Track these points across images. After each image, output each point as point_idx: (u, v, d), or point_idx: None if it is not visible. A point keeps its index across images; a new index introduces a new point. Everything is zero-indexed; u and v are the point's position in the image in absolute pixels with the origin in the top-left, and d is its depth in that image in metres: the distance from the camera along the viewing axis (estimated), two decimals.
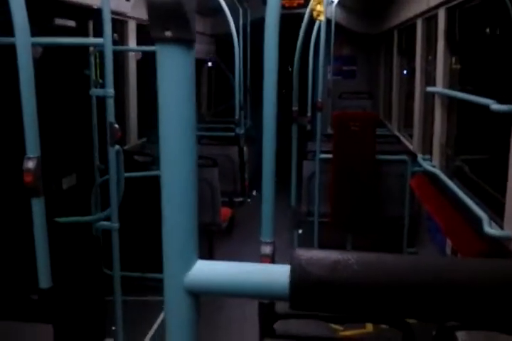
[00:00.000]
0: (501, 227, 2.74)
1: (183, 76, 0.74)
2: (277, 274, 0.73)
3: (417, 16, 5.20)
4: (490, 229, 2.71)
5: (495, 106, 2.66)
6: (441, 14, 4.19)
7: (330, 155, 4.93)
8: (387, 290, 0.67)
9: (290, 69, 7.03)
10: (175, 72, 0.73)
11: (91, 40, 4.07)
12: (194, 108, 0.76)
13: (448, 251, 3.56)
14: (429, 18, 4.87)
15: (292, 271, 0.70)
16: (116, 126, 3.13)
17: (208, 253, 5.14)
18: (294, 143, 5.16)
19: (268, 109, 2.01)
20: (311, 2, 4.31)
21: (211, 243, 5.23)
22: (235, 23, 6.25)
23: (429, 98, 4.79)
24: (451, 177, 3.82)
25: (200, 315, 0.79)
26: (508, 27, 2.86)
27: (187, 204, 0.77)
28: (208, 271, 0.77)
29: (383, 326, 2.52)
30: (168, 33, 0.71)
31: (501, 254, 2.65)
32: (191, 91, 0.75)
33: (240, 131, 6.49)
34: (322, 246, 4.93)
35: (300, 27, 4.86)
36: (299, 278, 0.70)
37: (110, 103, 3.05)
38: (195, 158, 0.78)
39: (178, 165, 0.76)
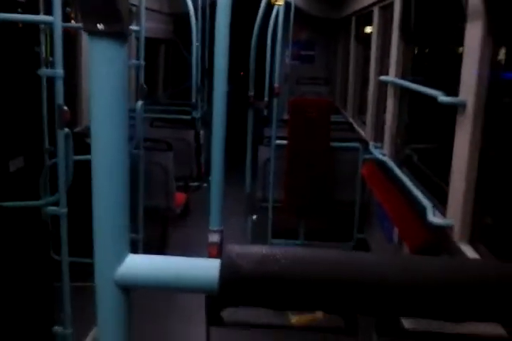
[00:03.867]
0: (444, 216, 2.84)
1: (115, 70, 0.74)
2: (208, 268, 0.75)
3: (373, 4, 5.24)
4: (433, 218, 2.81)
5: (442, 97, 2.74)
6: (397, 3, 4.24)
7: (285, 141, 4.96)
8: (312, 283, 0.70)
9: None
10: (107, 65, 0.73)
11: (39, 17, 3.90)
12: (126, 102, 0.76)
13: (395, 238, 3.67)
14: (386, 6, 4.92)
15: (222, 265, 0.72)
16: (66, 108, 3.04)
17: (160, 239, 5.12)
18: (250, 128, 5.16)
19: (218, 91, 2.00)
20: None
21: (165, 229, 5.20)
22: (193, 2, 6.14)
23: (382, 86, 4.87)
24: (400, 166, 3.92)
25: (131, 309, 0.80)
26: (460, 17, 2.92)
27: (118, 197, 0.77)
28: (138, 265, 0.78)
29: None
30: (100, 26, 0.71)
31: (444, 242, 2.76)
32: (123, 86, 0.75)
33: (197, 114, 6.43)
34: (276, 232, 4.99)
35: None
36: (228, 271, 0.72)
37: (59, 84, 2.96)
38: (127, 152, 0.77)
39: (108, 159, 0.76)
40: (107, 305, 0.78)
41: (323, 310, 0.74)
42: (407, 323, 2.05)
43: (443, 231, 2.78)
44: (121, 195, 0.77)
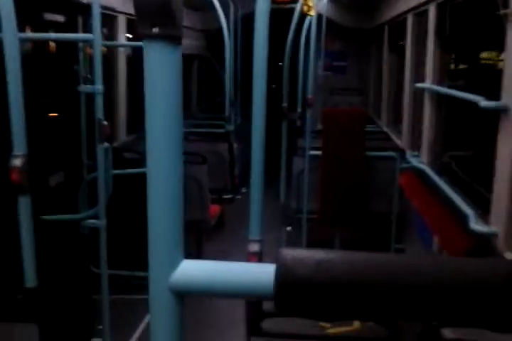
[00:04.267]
0: (487, 224, 2.75)
1: (171, 72, 0.74)
2: (263, 273, 0.73)
3: (407, 11, 5.20)
4: (476, 225, 2.72)
5: (484, 103, 2.66)
6: (432, 10, 4.18)
7: (320, 152, 4.92)
8: (371, 289, 0.67)
9: (280, 64, 7.02)
10: (162, 68, 0.73)
11: (80, 35, 4.03)
12: (181, 104, 0.76)
13: (434, 247, 3.57)
14: (420, 13, 4.87)
15: (277, 270, 0.70)
16: (105, 123, 3.10)
17: (196, 250, 5.13)
18: (284, 140, 5.16)
19: (257, 104, 2.02)
20: None
21: (200, 240, 5.22)
22: (225, 18, 6.23)
23: (418, 94, 4.80)
24: (439, 174, 3.83)
25: (184, 315, 0.79)
26: (497, 22, 2.86)
27: (173, 203, 0.77)
28: (193, 270, 0.77)
29: (370, 323, 2.53)
30: (155, 30, 0.72)
31: (487, 251, 2.66)
32: (178, 88, 0.75)
33: (230, 127, 6.48)
34: (311, 243, 4.94)
35: (291, 22, 4.86)
36: (284, 277, 0.70)
37: (99, 99, 3.03)
38: (181, 156, 0.77)
39: (164, 163, 0.76)
40: (161, 310, 0.78)
41: (384, 316, 0.71)
42: (447, 333, 1.98)
43: (486, 239, 2.68)
44: (176, 198, 0.77)
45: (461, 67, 4.55)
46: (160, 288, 0.76)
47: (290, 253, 0.71)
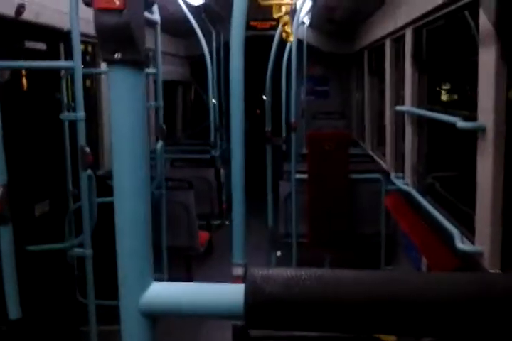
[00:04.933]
0: (473, 243, 2.77)
1: (134, 97, 0.76)
2: (232, 293, 0.74)
3: (385, 37, 5.33)
4: (462, 245, 2.74)
5: (460, 123, 2.72)
6: (408, 34, 4.30)
7: (305, 175, 4.95)
8: (340, 305, 0.67)
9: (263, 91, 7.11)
10: (126, 93, 0.75)
11: (61, 63, 4.05)
12: (146, 128, 0.77)
13: (423, 268, 3.58)
14: (397, 38, 5.00)
15: (246, 289, 0.71)
16: (87, 149, 3.10)
17: (185, 278, 5.07)
18: (269, 164, 5.19)
19: (235, 129, 2.01)
20: (280, 24, 4.40)
21: (189, 267, 5.16)
22: (208, 44, 6.32)
23: (399, 117, 4.88)
24: (423, 195, 3.87)
25: (156, 337, 0.79)
26: (471, 45, 2.95)
27: (140, 227, 0.77)
28: (163, 292, 0.77)
29: None
30: (117, 55, 0.73)
31: (474, 270, 2.68)
32: (142, 112, 0.77)
33: (216, 152, 6.50)
34: (301, 267, 4.91)
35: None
36: (253, 295, 0.70)
37: (81, 126, 3.03)
38: (148, 179, 0.78)
39: (130, 188, 0.76)
40: (132, 333, 0.77)
41: (350, 331, 0.71)
42: None
43: (472, 258, 2.70)
44: (143, 222, 0.78)
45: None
46: (130, 311, 0.76)
47: (259, 271, 0.72)
